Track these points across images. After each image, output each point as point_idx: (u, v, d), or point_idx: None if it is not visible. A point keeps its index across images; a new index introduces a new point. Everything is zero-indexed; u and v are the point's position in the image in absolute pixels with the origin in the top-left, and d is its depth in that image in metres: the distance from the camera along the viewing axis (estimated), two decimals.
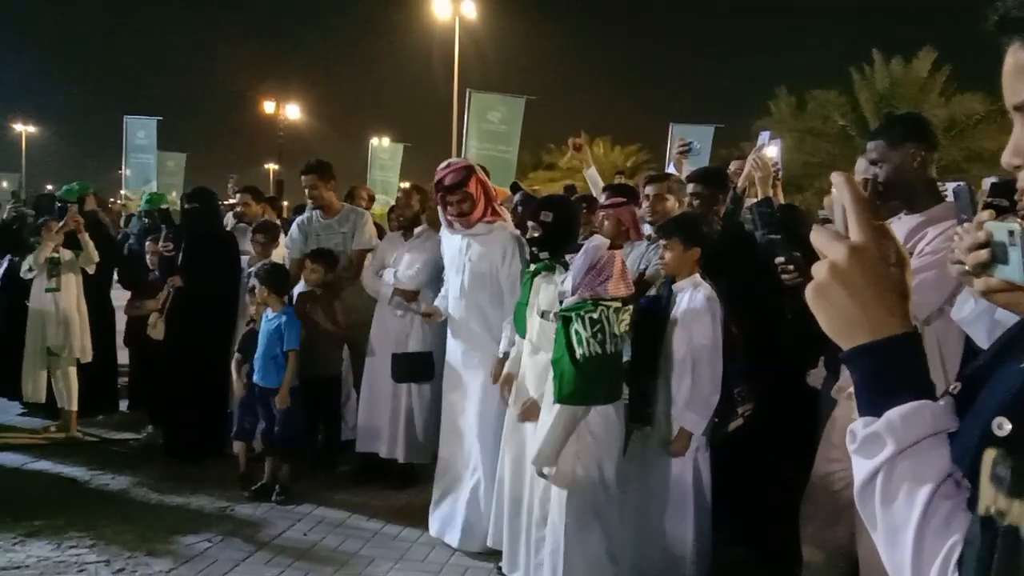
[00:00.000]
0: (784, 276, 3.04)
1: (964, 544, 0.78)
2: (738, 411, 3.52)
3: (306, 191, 5.62)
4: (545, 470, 3.28)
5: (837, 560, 3.07)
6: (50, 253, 5.94)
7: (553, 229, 3.58)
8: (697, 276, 3.58)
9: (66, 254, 6.00)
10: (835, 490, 3.01)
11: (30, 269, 5.99)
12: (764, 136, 4.08)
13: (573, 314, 3.19)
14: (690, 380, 3.48)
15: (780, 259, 3.05)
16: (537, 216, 3.62)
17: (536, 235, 3.62)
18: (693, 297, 3.52)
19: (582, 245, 3.41)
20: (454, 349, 4.47)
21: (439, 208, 4.40)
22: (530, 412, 3.60)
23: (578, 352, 3.15)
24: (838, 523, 2.99)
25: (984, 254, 0.98)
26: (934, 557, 0.81)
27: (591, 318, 3.15)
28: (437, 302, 4.75)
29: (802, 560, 3.18)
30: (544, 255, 3.60)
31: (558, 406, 3.24)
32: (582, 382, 3.17)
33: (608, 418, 3.32)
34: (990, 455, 0.76)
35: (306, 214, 5.84)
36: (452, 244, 4.45)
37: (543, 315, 3.58)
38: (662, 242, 3.59)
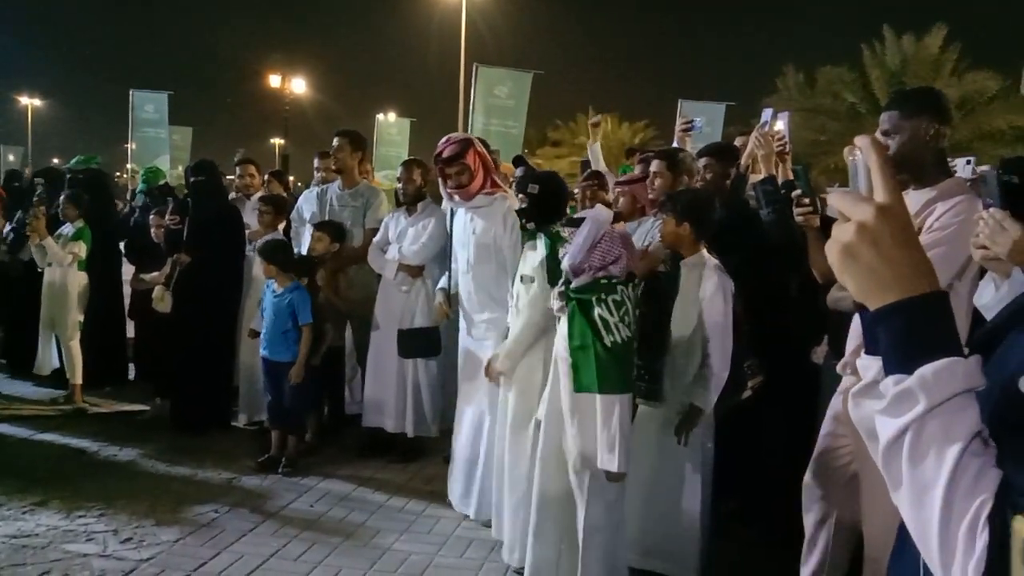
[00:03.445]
0: (798, 209, 3.01)
1: None
2: (748, 384, 3.52)
3: (332, 151, 5.65)
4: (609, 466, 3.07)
5: (840, 536, 3.07)
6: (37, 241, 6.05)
7: (539, 200, 3.75)
8: (704, 252, 3.56)
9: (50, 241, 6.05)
10: (839, 465, 3.01)
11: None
12: (767, 113, 4.03)
13: (593, 298, 3.09)
14: (699, 357, 3.46)
15: (797, 191, 3.03)
16: (525, 188, 3.84)
17: (523, 207, 3.82)
18: (703, 274, 3.50)
19: (582, 219, 3.27)
20: (464, 322, 4.48)
21: (440, 181, 4.44)
22: (494, 370, 3.87)
23: (607, 339, 3.05)
24: (842, 498, 2.99)
25: None
26: (963, 515, 0.81)
27: (615, 300, 3.07)
28: (442, 281, 4.77)
29: (804, 536, 3.19)
30: (531, 225, 3.77)
31: (597, 397, 3.05)
32: (619, 369, 3.07)
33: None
34: None
35: (324, 185, 5.88)
36: (459, 219, 4.51)
37: (522, 279, 3.77)
38: (661, 217, 3.63)
